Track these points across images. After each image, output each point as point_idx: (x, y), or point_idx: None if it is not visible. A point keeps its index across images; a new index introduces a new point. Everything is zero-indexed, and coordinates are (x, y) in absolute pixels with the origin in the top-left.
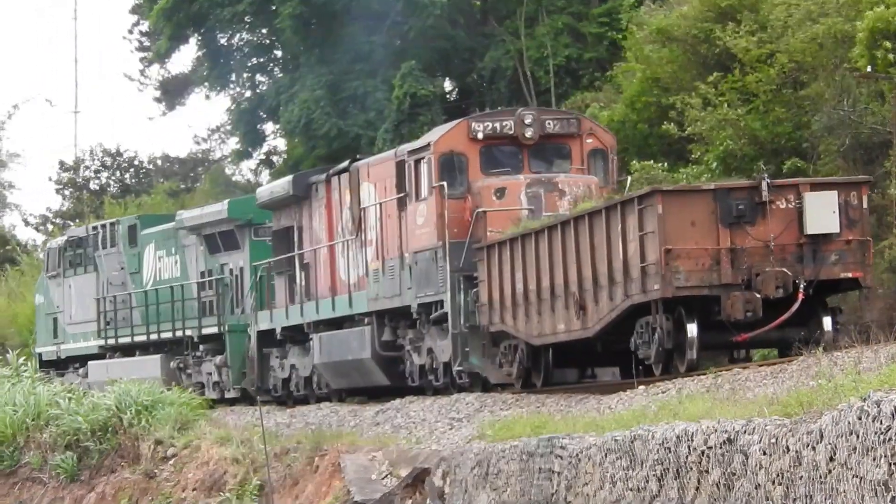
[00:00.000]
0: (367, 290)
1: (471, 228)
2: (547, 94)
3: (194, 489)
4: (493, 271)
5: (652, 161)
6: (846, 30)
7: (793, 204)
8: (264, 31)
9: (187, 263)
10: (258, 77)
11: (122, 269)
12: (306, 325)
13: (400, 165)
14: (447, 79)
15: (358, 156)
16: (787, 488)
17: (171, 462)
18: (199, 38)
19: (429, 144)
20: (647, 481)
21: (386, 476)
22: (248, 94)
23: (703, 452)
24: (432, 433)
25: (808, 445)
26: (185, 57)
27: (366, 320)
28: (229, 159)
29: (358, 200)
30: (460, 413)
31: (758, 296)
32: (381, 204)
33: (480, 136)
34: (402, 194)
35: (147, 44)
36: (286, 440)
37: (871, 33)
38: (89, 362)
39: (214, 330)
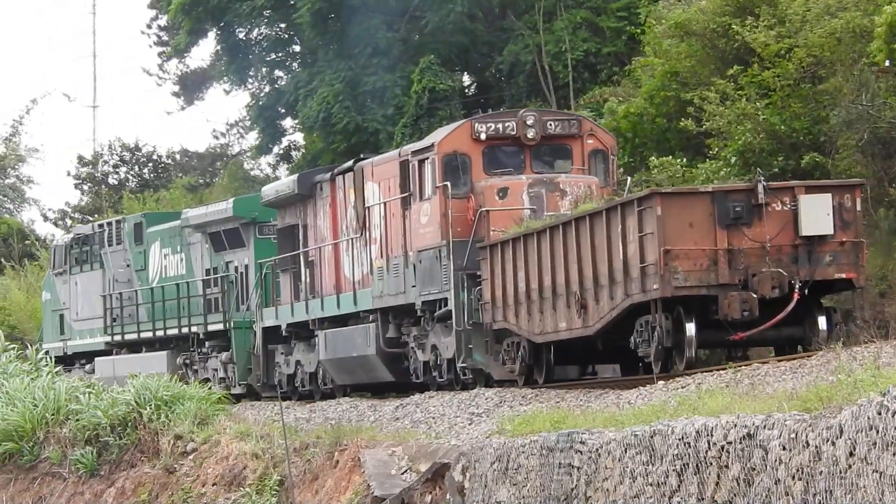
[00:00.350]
0: (371, 288)
1: (474, 227)
2: (565, 88)
3: (214, 484)
4: (496, 270)
5: (671, 157)
6: (865, 24)
7: (788, 206)
8: (283, 25)
9: (193, 261)
10: (277, 72)
11: (128, 266)
12: (311, 321)
13: (404, 165)
14: (466, 73)
15: (362, 155)
16: (807, 483)
17: (190, 457)
18: (218, 32)
19: (432, 145)
20: (667, 476)
21: (406, 471)
22: (266, 89)
23: (722, 447)
24: (452, 428)
25: (827, 440)
26: (204, 51)
27: (370, 317)
28: (248, 154)
29: (362, 199)
30: (480, 408)
31: (754, 296)
32: (385, 203)
33: (483, 136)
34: (406, 194)
35: (166, 38)
36: (306, 435)
37: (890, 28)
38: (96, 358)
39: (220, 327)
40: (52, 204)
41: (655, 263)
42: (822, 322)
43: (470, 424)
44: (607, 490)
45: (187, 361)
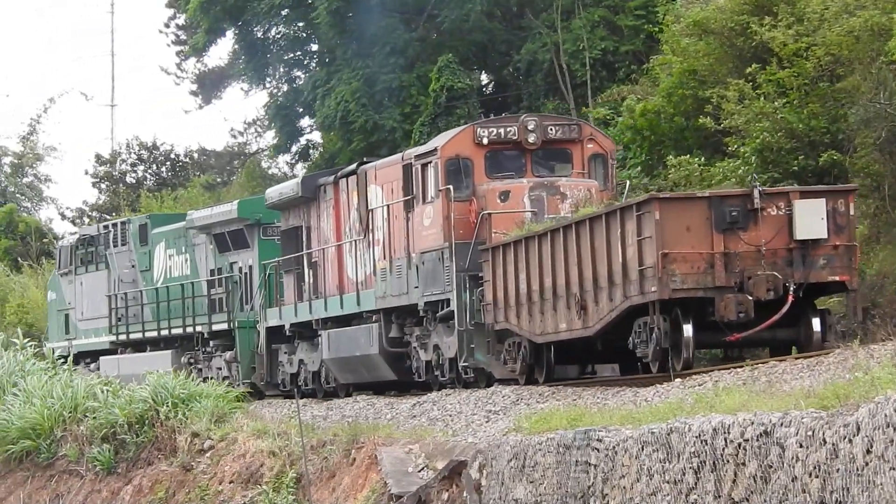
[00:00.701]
0: (374, 289)
1: (476, 230)
2: (583, 87)
3: (231, 482)
4: (498, 271)
5: (688, 156)
6: (883, 22)
7: (783, 211)
8: (300, 24)
9: (197, 261)
10: (294, 71)
11: (133, 266)
12: (315, 321)
13: (407, 169)
14: (483, 72)
15: (365, 158)
16: (824, 481)
17: (207, 455)
18: (236, 31)
19: (436, 149)
20: (684, 474)
21: (422, 469)
22: (284, 88)
23: (739, 445)
24: (469, 426)
25: (844, 438)
26: (222, 50)
27: (373, 317)
28: (266, 153)
29: (365, 202)
30: (497, 406)
31: (750, 298)
32: (388, 206)
33: (485, 141)
34: (409, 196)
35: (184, 37)
36: (323, 433)
37: None
38: (101, 357)
39: (224, 326)
40: (70, 202)
41: (654, 266)
42: (816, 324)
43: (487, 422)
44: (624, 488)
45: (191, 360)
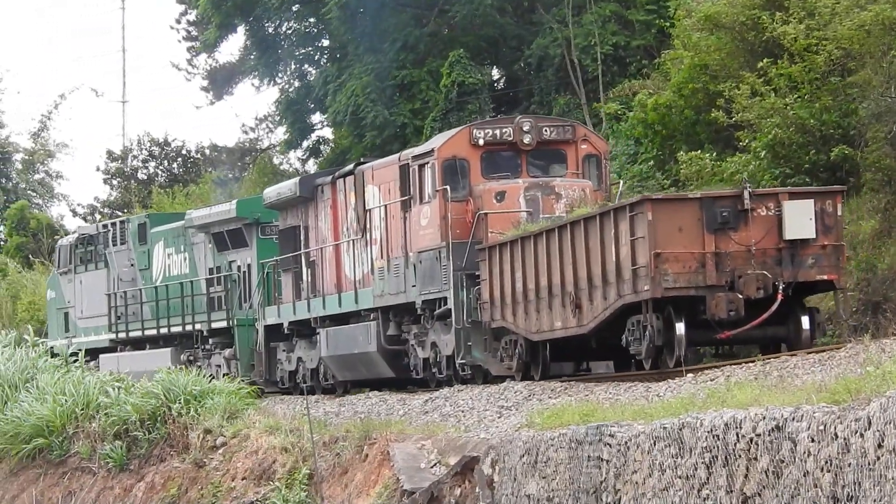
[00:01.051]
0: (372, 287)
1: (472, 230)
2: (594, 81)
3: (243, 478)
4: (495, 270)
5: (700, 150)
6: (894, 17)
7: (773, 211)
8: (311, 20)
9: (196, 260)
10: (305, 67)
11: (132, 265)
12: (313, 320)
13: (404, 169)
14: (494, 67)
15: (362, 159)
16: (836, 475)
17: (220, 451)
18: (247, 27)
19: (432, 150)
20: (696, 469)
21: (435, 464)
22: (295, 84)
23: (751, 440)
24: (481, 421)
25: (856, 432)
26: (233, 46)
27: (371, 316)
28: (277, 149)
29: (363, 202)
30: (509, 401)
31: (740, 296)
32: (385, 205)
33: (481, 142)
34: (406, 197)
35: (195, 33)
36: (335, 429)
37: None
38: (101, 356)
39: (223, 324)
40: (82, 199)
41: (646, 266)
42: (805, 321)
43: (499, 418)
44: (636, 483)
45: (191, 358)
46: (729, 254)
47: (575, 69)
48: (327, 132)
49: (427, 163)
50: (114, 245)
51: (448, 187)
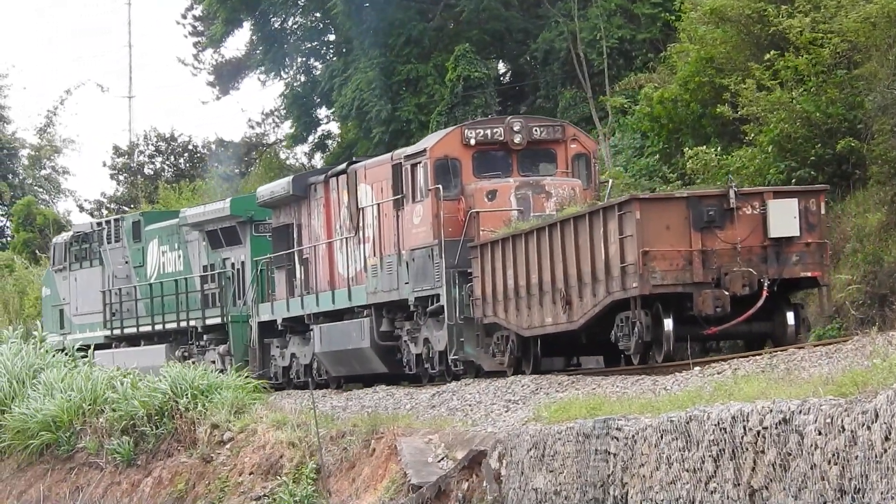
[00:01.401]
0: (365, 285)
1: (464, 228)
2: (600, 75)
3: (251, 473)
4: (487, 268)
5: (706, 146)
6: None
7: (758, 210)
8: (317, 14)
9: (190, 258)
10: (312, 61)
11: (127, 262)
12: (306, 316)
13: (396, 168)
14: (500, 61)
15: (354, 158)
16: (843, 468)
17: (227, 446)
18: (253, 22)
19: (425, 150)
20: (703, 462)
21: (442, 459)
22: (301, 78)
23: (758, 433)
24: (488, 415)
25: (863, 425)
26: (239, 41)
27: (365, 312)
28: (283, 143)
29: (356, 200)
30: (516, 395)
31: (726, 293)
32: (378, 204)
33: (473, 142)
34: (399, 195)
35: (201, 28)
36: (342, 423)
37: None
38: (95, 352)
39: (218, 320)
40: (88, 195)
41: (635, 263)
42: (790, 317)
43: (506, 412)
44: (643, 476)
45: (185, 354)
46: (715, 251)
47: (581, 63)
48: (333, 127)
49: (420, 162)
50: (108, 243)
51: (440, 186)
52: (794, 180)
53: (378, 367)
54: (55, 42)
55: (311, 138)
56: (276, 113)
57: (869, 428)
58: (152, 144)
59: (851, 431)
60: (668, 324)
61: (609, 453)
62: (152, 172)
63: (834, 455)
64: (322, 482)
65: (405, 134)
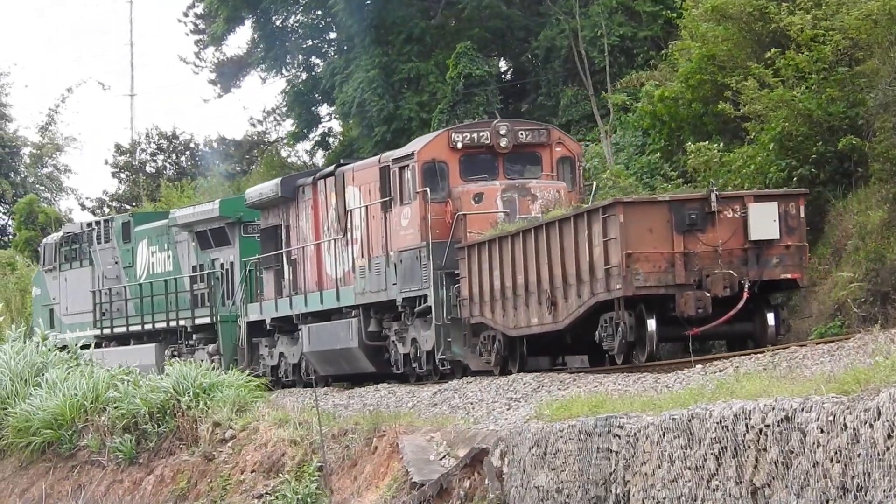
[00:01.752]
0: (353, 285)
1: (452, 230)
2: (601, 73)
3: (253, 471)
4: (474, 269)
5: (707, 142)
6: None
7: (738, 213)
8: (319, 12)
9: (180, 258)
10: (313, 59)
11: (117, 263)
12: (295, 316)
13: (384, 171)
14: (502, 59)
15: (342, 160)
16: (845, 466)
17: (229, 444)
18: (255, 20)
19: (413, 153)
20: (705, 460)
21: (444, 456)
22: (303, 76)
23: (760, 431)
24: (490, 413)
25: (865, 423)
26: (241, 39)
27: (353, 312)
28: (285, 141)
29: (343, 202)
30: (518, 393)
31: (708, 294)
32: (366, 206)
33: (460, 145)
34: (386, 198)
35: (202, 26)
36: (344, 421)
37: None
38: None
39: (207, 320)
40: (90, 193)
41: (618, 265)
42: (770, 318)
43: (508, 409)
44: (645, 474)
45: (175, 353)
46: (697, 254)
47: (582, 60)
48: (335, 124)
49: (407, 165)
50: (98, 243)
51: (428, 189)
52: (795, 178)
53: (366, 367)
54: (56, 40)
55: (312, 136)
56: (277, 110)
57: (871, 426)
58: (154, 142)
59: (854, 429)
60: (651, 324)
61: (611, 451)
62: (154, 170)
63: (836, 453)
64: (324, 480)
65: (406, 132)
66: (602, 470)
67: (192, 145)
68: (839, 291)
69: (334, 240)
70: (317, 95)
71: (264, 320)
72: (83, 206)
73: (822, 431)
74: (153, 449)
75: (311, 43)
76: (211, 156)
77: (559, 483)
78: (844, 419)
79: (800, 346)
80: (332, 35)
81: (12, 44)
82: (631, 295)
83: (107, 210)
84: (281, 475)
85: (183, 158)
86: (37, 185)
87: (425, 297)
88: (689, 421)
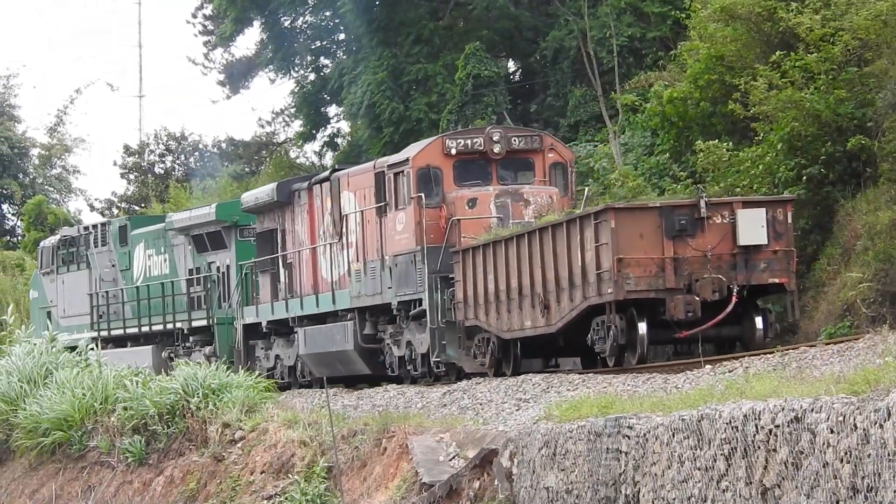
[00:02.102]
0: (349, 289)
1: (446, 234)
2: (610, 73)
3: (262, 472)
4: (468, 273)
5: (717, 140)
6: None
7: (727, 219)
8: (327, 13)
9: (176, 261)
10: (322, 60)
11: (114, 266)
12: (290, 319)
13: (379, 177)
14: (510, 59)
15: (336, 165)
16: (856, 466)
17: (238, 445)
18: (263, 21)
19: (407, 159)
20: (715, 460)
21: (453, 457)
22: (311, 76)
23: (770, 431)
24: (499, 414)
25: (875, 423)
26: (249, 40)
27: (348, 316)
28: (293, 142)
29: (339, 207)
30: (527, 394)
31: (697, 299)
32: (361, 211)
33: (454, 151)
34: (382, 203)
35: (211, 27)
36: (353, 422)
37: None
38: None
39: (203, 322)
40: (99, 194)
41: (610, 270)
42: (758, 322)
43: (517, 410)
44: (655, 475)
45: (172, 355)
46: (686, 259)
47: (591, 61)
48: (343, 125)
49: (402, 171)
50: (95, 246)
51: (422, 194)
52: (804, 178)
53: (361, 369)
54: (64, 42)
55: (321, 136)
56: (286, 111)
57: (881, 426)
58: (163, 143)
59: (864, 430)
60: (642, 328)
61: (620, 452)
62: (163, 171)
63: (846, 453)
64: (334, 481)
65: (416, 133)
66: (612, 471)
67: (200, 146)
68: (848, 292)
69: (330, 244)
70: (325, 96)
71: (260, 323)
72: (92, 208)
73: (832, 432)
74: (163, 450)
75: (319, 44)
76: (220, 157)
77: (569, 484)
78: (854, 420)
79: (809, 346)
80: (341, 36)
81: (20, 45)
82: (622, 299)
83: (115, 211)
84: (290, 476)
85: (191, 160)
86: (45, 187)
87: (420, 300)
88: (699, 421)
